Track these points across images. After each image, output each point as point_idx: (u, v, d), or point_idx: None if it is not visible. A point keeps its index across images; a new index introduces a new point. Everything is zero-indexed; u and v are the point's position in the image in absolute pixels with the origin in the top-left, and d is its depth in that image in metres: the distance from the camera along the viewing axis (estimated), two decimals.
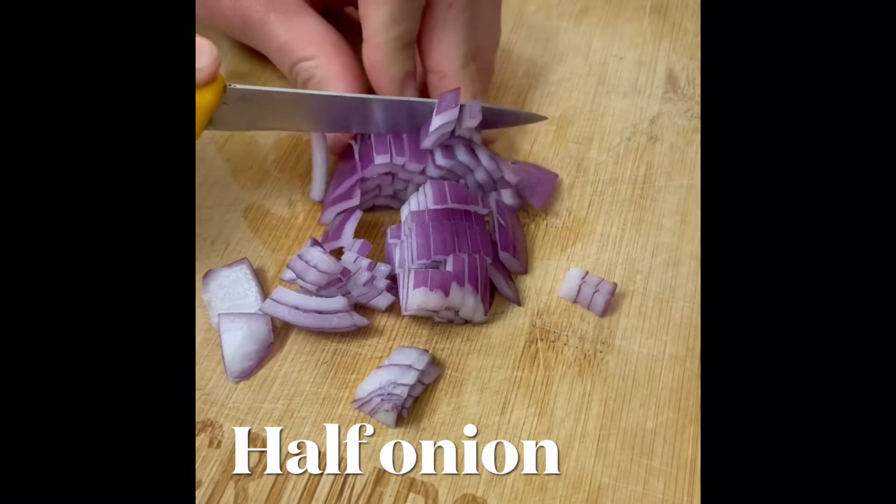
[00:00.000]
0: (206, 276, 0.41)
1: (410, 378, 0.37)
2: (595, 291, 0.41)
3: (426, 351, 0.39)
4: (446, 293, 0.38)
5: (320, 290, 0.39)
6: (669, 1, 0.58)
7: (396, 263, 0.41)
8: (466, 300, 0.39)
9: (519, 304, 0.41)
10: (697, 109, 0.51)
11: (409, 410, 0.38)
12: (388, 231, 0.42)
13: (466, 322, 0.40)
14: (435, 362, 0.39)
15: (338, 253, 0.41)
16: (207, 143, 0.48)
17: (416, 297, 0.38)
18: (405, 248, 0.40)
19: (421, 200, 0.41)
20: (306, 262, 0.39)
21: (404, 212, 0.42)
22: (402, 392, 0.37)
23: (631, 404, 0.38)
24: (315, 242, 0.40)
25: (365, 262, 0.40)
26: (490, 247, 0.41)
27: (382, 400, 0.37)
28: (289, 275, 0.39)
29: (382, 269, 0.41)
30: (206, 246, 0.44)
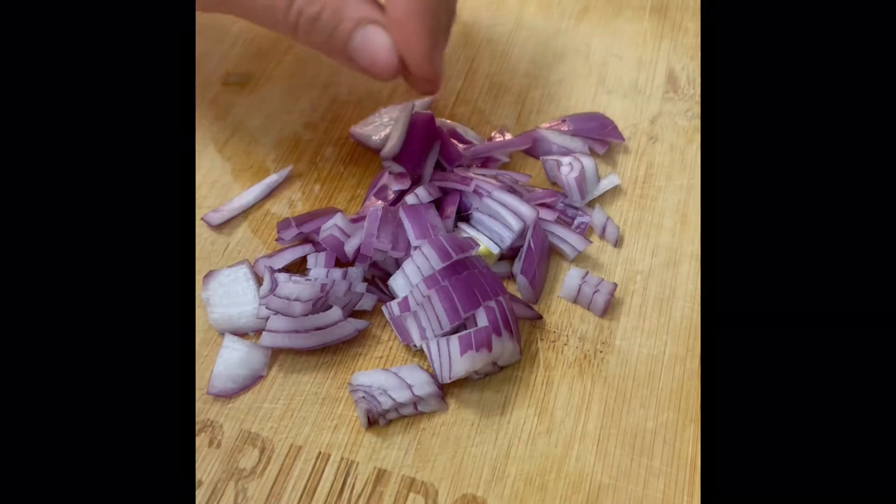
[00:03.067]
0: (206, 276, 0.41)
1: (402, 397, 0.37)
2: (595, 291, 0.41)
3: (440, 388, 0.38)
4: (489, 348, 0.37)
5: (307, 315, 0.39)
6: (669, 1, 0.58)
7: (414, 337, 0.39)
8: (505, 347, 0.38)
9: (540, 317, 0.41)
10: (697, 109, 0.51)
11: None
12: (388, 307, 0.40)
13: (501, 369, 0.39)
14: (444, 398, 0.38)
15: (295, 266, 0.42)
16: (208, 143, 0.48)
17: (463, 364, 0.36)
18: (424, 317, 0.38)
19: (422, 264, 0.39)
20: (286, 298, 0.38)
21: (400, 286, 0.40)
22: (386, 402, 0.37)
23: (631, 404, 0.38)
24: (272, 271, 0.39)
25: (336, 272, 0.40)
26: (501, 283, 0.40)
27: (363, 397, 0.37)
28: (264, 313, 0.39)
29: (354, 272, 0.40)
30: (207, 246, 0.44)
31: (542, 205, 0.43)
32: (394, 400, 0.37)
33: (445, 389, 0.39)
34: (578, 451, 0.37)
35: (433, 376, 0.38)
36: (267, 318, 0.39)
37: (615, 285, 0.41)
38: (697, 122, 0.50)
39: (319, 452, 0.37)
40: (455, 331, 0.38)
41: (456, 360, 0.36)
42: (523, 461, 0.37)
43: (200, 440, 0.37)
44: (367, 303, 0.40)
